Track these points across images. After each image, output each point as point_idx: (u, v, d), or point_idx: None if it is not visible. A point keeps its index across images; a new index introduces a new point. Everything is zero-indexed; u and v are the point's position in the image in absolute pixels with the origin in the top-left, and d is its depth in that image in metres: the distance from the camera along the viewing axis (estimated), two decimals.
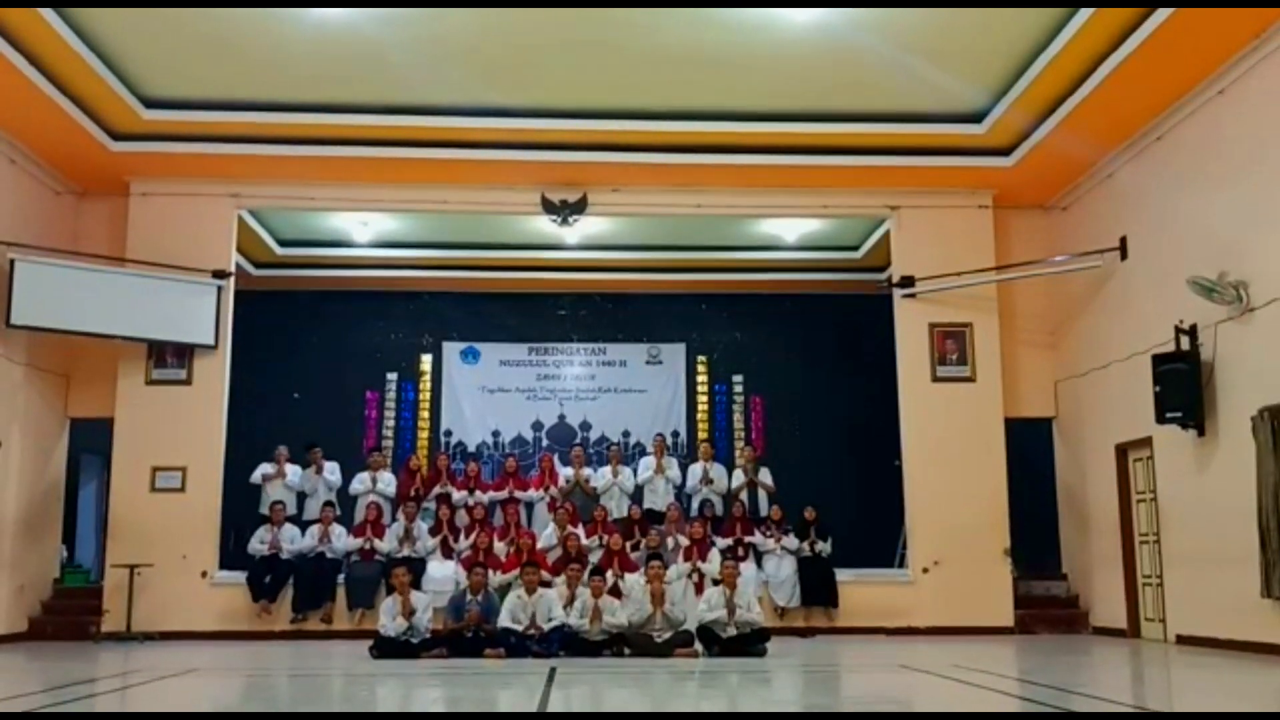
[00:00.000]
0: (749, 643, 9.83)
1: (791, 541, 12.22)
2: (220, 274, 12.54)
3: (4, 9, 9.12)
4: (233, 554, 12.49)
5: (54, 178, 12.33)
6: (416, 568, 11.49)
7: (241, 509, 12.65)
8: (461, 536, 12.09)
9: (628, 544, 11.80)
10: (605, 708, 6.92)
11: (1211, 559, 9.94)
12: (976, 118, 11.51)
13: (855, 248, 14.93)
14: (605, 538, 11.84)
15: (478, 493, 12.61)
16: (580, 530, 11.93)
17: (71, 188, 12.66)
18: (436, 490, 12.61)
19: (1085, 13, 9.25)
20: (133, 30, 9.78)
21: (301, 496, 12.73)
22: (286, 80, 10.75)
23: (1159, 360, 10.36)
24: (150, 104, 11.20)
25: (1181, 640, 10.52)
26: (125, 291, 12.10)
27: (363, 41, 9.83)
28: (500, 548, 11.80)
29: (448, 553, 11.95)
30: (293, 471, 12.64)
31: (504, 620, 10.04)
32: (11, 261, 11.32)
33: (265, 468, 12.61)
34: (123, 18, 9.54)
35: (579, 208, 12.87)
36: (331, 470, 12.73)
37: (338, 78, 10.66)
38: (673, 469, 13.05)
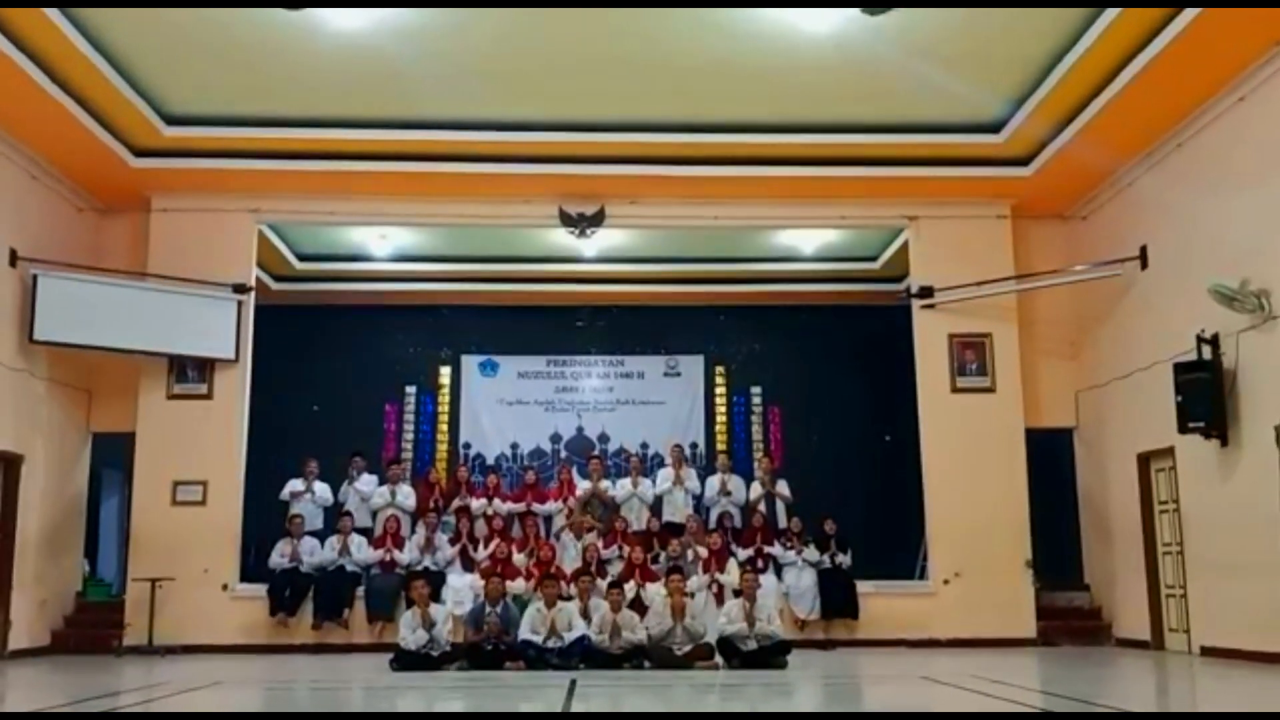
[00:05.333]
0: (770, 655, 9.80)
1: (812, 553, 12.18)
2: (240, 288, 12.61)
3: (33, 35, 9.22)
4: (253, 567, 12.53)
5: (76, 194, 12.44)
6: (436, 580, 11.51)
7: (262, 522, 12.68)
8: (480, 547, 12.10)
9: (648, 556, 11.78)
10: None
11: (1236, 569, 9.85)
12: (994, 128, 11.49)
13: (873, 258, 14.89)
14: (625, 549, 11.83)
15: (496, 502, 12.62)
16: (599, 541, 11.91)
17: (93, 204, 12.76)
18: (456, 503, 12.61)
19: (1102, 21, 9.23)
20: (153, 47, 9.87)
21: (328, 510, 12.74)
22: (305, 96, 10.83)
23: (1181, 369, 10.30)
24: (171, 120, 11.30)
25: (1206, 652, 10.43)
26: (146, 306, 12.17)
27: (381, 57, 9.89)
28: (519, 559, 11.79)
29: (467, 564, 11.96)
30: (321, 489, 12.69)
31: (524, 633, 10.05)
32: (34, 277, 11.41)
33: (294, 484, 12.66)
34: (144, 35, 9.62)
35: (597, 220, 12.89)
36: (366, 482, 12.76)
37: (356, 93, 10.73)
38: (691, 480, 13.02)
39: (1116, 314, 12.15)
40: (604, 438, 15.46)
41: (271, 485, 12.70)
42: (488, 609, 10.29)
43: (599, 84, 10.61)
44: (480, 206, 12.82)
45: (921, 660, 10.50)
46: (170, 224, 12.61)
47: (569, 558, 11.95)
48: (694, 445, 15.28)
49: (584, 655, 9.88)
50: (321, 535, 12.36)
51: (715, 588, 11.45)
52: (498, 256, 14.93)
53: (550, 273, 15.14)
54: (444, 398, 15.66)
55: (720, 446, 15.21)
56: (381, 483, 12.84)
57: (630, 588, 10.93)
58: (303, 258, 14.78)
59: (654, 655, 9.97)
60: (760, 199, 12.77)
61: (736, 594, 10.56)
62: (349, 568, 12.01)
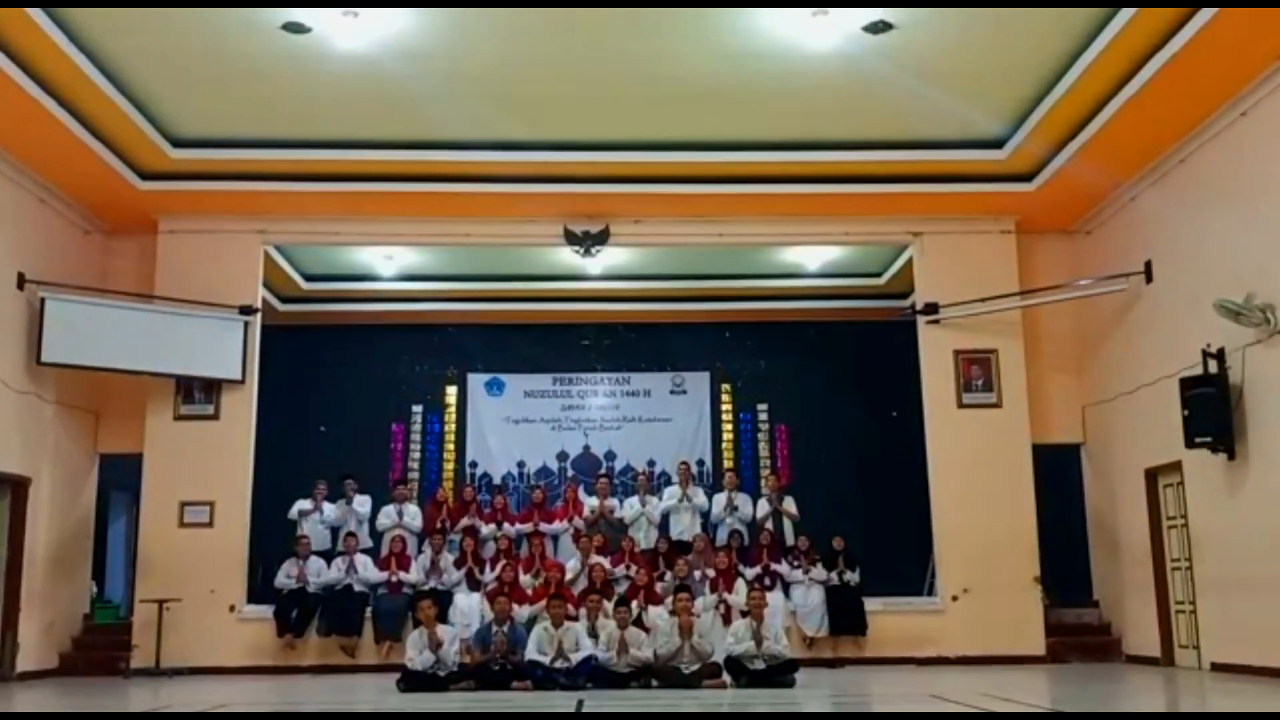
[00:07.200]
0: (777, 674, 9.77)
1: (820, 572, 12.15)
2: (247, 309, 12.65)
3: (40, 60, 9.29)
4: (260, 588, 12.53)
5: (84, 217, 12.50)
6: (443, 600, 11.50)
7: (269, 543, 12.69)
8: (487, 568, 12.09)
9: (653, 576, 11.74)
10: None
11: (1246, 584, 9.81)
12: (997, 144, 11.50)
13: (878, 274, 14.90)
14: (633, 568, 11.81)
15: (505, 525, 12.61)
16: (606, 560, 11.90)
17: (101, 226, 12.83)
18: (464, 522, 12.59)
19: (1102, 39, 9.25)
20: (160, 71, 9.93)
21: (335, 531, 12.75)
22: (311, 118, 10.89)
23: (1187, 384, 10.28)
24: (178, 143, 11.36)
25: (1216, 668, 10.38)
26: (154, 328, 12.21)
27: (386, 79, 9.94)
28: (526, 580, 11.78)
29: (474, 584, 11.94)
30: (330, 508, 12.71)
31: (531, 652, 10.02)
32: (42, 300, 11.45)
33: (302, 503, 12.67)
34: (151, 59, 9.68)
35: (601, 239, 12.92)
36: (361, 503, 12.78)
37: (362, 115, 10.79)
38: (698, 497, 13.00)
39: (1122, 329, 12.13)
40: (610, 456, 15.45)
41: (279, 506, 12.71)
42: (495, 629, 10.27)
43: (602, 104, 10.65)
44: (485, 226, 12.86)
45: (930, 678, 10.46)
46: (177, 246, 12.66)
47: (569, 567, 11.92)
48: (700, 463, 15.25)
49: (591, 675, 9.85)
50: (329, 556, 12.36)
51: (722, 607, 11.42)
52: (503, 275, 14.97)
53: (555, 291, 15.16)
54: (450, 417, 15.66)
55: (727, 464, 15.20)
56: (377, 503, 12.86)
57: (633, 608, 10.90)
58: (309, 278, 14.82)
59: (661, 674, 9.94)
60: (764, 217, 12.79)
61: (744, 614, 10.53)
62: (356, 587, 12.00)
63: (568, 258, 13.50)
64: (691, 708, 8.54)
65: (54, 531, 11.96)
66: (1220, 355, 10.07)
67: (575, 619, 10.55)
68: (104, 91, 9.99)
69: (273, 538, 12.68)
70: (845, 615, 12.04)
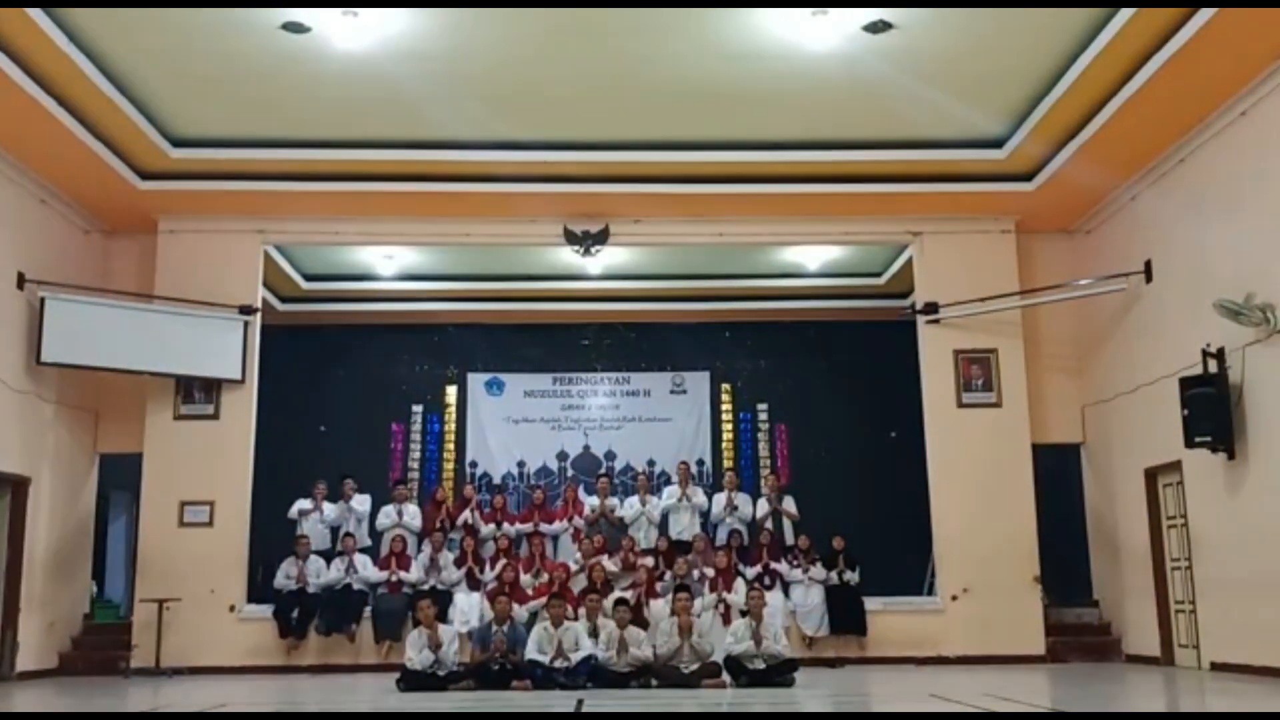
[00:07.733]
0: (777, 673, 9.77)
1: (820, 572, 12.15)
2: (247, 309, 12.65)
3: (41, 60, 9.29)
4: (260, 588, 12.53)
5: (84, 217, 12.51)
6: (443, 599, 11.51)
7: (269, 543, 12.69)
8: (487, 567, 12.10)
9: (654, 573, 11.75)
10: None
11: (1245, 584, 9.81)
12: (997, 144, 11.51)
13: (878, 274, 14.91)
14: (634, 559, 11.84)
15: (505, 525, 12.62)
16: (606, 561, 11.91)
17: (101, 226, 12.83)
18: (464, 518, 12.58)
19: (1101, 40, 9.26)
20: (160, 71, 9.94)
21: (335, 531, 12.76)
22: (311, 118, 10.89)
23: (1187, 384, 10.28)
24: (178, 143, 11.36)
25: (1216, 667, 10.38)
26: (154, 328, 12.21)
27: (386, 79, 9.95)
28: (527, 580, 11.79)
29: (474, 584, 11.95)
30: (330, 508, 12.72)
31: (531, 652, 10.02)
32: (42, 300, 11.45)
33: (302, 503, 12.68)
34: (151, 59, 9.70)
35: (601, 238, 12.92)
36: (360, 502, 12.79)
37: (362, 115, 10.79)
38: (698, 496, 13.01)
39: (1121, 329, 12.13)
40: (610, 455, 15.46)
41: (279, 506, 12.71)
42: (494, 628, 10.28)
43: (602, 104, 10.66)
44: (485, 226, 12.86)
45: (930, 678, 10.46)
46: (177, 246, 12.67)
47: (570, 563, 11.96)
48: (700, 463, 15.27)
49: (591, 674, 9.85)
50: (329, 556, 12.36)
51: (722, 607, 11.43)
52: (503, 275, 14.98)
53: (555, 291, 15.17)
54: (450, 417, 15.67)
55: (727, 464, 15.21)
56: (376, 502, 12.86)
57: (630, 595, 10.91)
58: (309, 278, 14.83)
59: (661, 674, 9.94)
60: (764, 216, 12.79)
61: (743, 613, 10.53)
62: (356, 586, 12.01)
63: (568, 258, 13.50)
64: (691, 707, 8.54)
65: (54, 531, 11.96)
66: (1220, 355, 10.07)
67: (575, 619, 10.55)
68: (104, 91, 10.00)
69: (273, 538, 12.68)
70: (845, 615, 12.04)
